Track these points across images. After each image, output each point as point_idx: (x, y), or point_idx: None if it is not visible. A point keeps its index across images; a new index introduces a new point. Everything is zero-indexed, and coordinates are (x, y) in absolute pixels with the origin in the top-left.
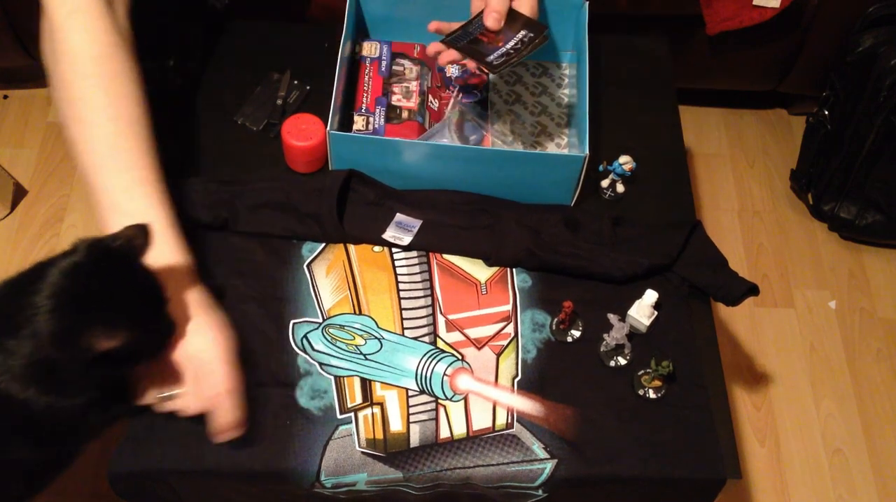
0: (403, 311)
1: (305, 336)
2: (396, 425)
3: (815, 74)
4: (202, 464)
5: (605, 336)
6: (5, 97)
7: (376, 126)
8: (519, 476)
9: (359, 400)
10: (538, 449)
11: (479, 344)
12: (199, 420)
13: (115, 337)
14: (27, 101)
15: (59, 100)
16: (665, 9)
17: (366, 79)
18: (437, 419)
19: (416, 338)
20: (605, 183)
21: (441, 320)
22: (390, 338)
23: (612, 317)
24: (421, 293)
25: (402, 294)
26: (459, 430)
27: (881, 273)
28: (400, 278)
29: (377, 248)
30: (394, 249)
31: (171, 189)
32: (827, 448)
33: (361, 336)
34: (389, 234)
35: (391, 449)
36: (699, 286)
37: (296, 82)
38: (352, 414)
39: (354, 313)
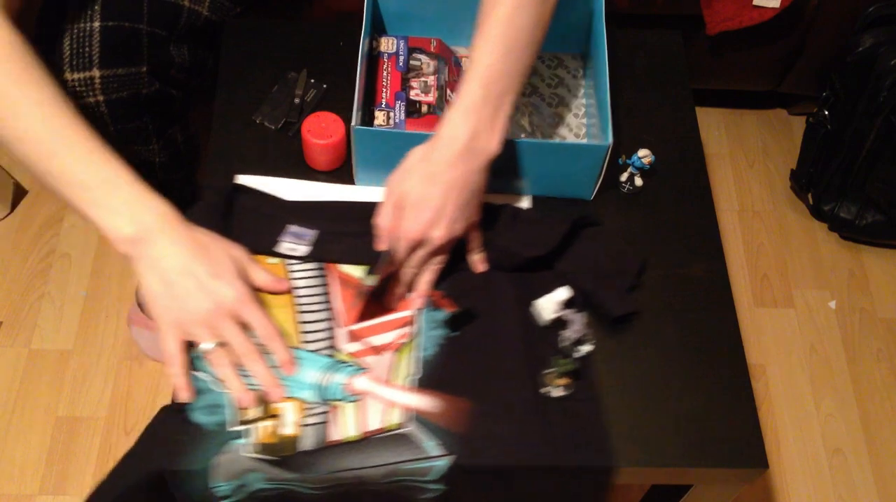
0: (301, 324)
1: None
2: (288, 430)
3: (815, 74)
4: None
5: (562, 332)
6: None
7: (397, 121)
8: (414, 472)
9: (255, 414)
10: (432, 447)
11: (379, 350)
12: None
13: None
14: None
15: None
16: (666, 9)
17: (384, 74)
18: (328, 422)
19: (315, 351)
20: (623, 176)
21: (341, 331)
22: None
23: (568, 313)
24: (319, 306)
25: (300, 307)
26: (351, 432)
27: (881, 273)
28: (297, 291)
29: (272, 260)
30: (289, 261)
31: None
32: (827, 448)
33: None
34: (285, 247)
35: (282, 453)
36: (582, 291)
37: (312, 81)
38: (246, 428)
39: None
